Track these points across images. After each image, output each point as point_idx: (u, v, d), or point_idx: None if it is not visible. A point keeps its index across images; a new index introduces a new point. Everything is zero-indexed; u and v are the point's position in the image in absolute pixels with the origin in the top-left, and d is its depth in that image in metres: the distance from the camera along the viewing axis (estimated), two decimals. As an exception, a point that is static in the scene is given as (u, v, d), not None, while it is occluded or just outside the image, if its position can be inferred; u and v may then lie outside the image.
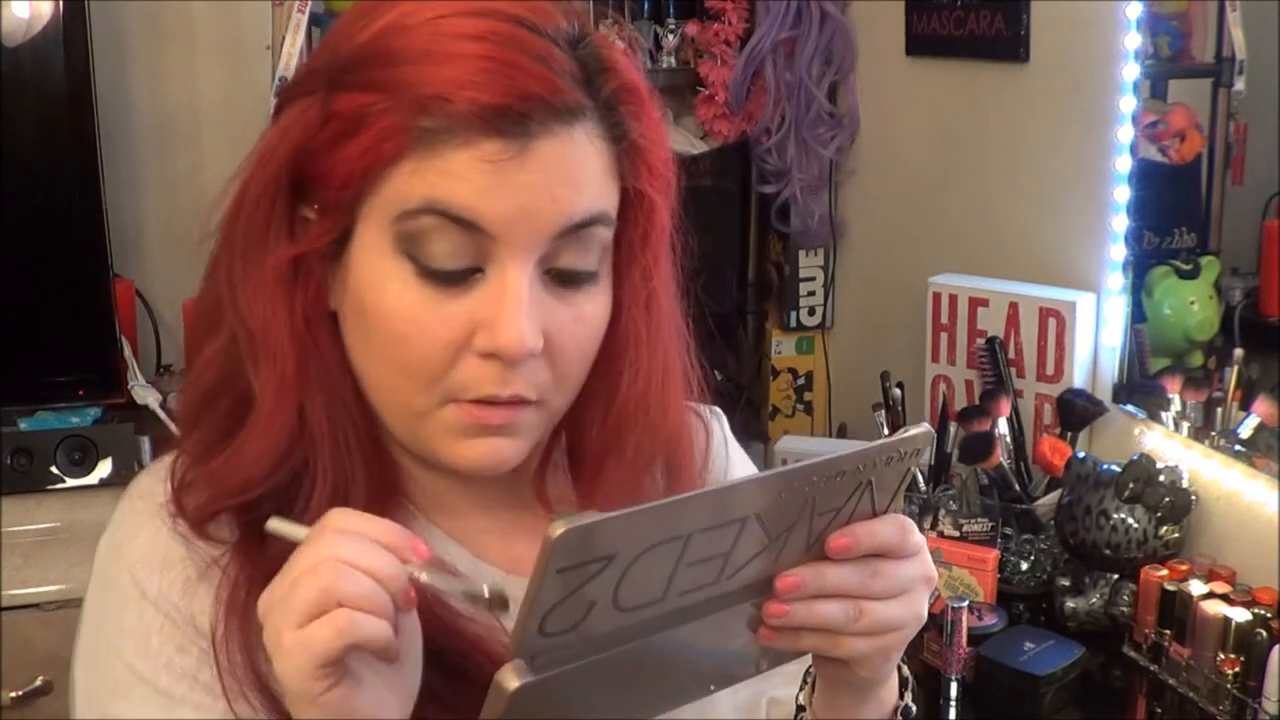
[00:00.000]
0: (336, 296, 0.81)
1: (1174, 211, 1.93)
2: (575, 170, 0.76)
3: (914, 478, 1.95)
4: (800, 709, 0.89)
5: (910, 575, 0.77)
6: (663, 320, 0.87)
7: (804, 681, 0.89)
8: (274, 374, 0.79)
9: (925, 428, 0.76)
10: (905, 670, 0.88)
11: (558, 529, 0.62)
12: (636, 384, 0.85)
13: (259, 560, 0.78)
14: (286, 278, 0.79)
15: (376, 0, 0.79)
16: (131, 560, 0.81)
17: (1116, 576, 1.70)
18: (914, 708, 0.88)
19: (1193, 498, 1.69)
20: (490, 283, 0.76)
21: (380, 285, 0.77)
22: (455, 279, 0.76)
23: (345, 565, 0.67)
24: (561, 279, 0.79)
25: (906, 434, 0.75)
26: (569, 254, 0.78)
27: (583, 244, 0.78)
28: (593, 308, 0.81)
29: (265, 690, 0.77)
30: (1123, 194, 1.90)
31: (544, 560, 0.62)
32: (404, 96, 0.74)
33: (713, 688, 0.85)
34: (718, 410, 1.02)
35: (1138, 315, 1.91)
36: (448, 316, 0.76)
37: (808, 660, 0.86)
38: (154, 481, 0.84)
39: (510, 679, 0.66)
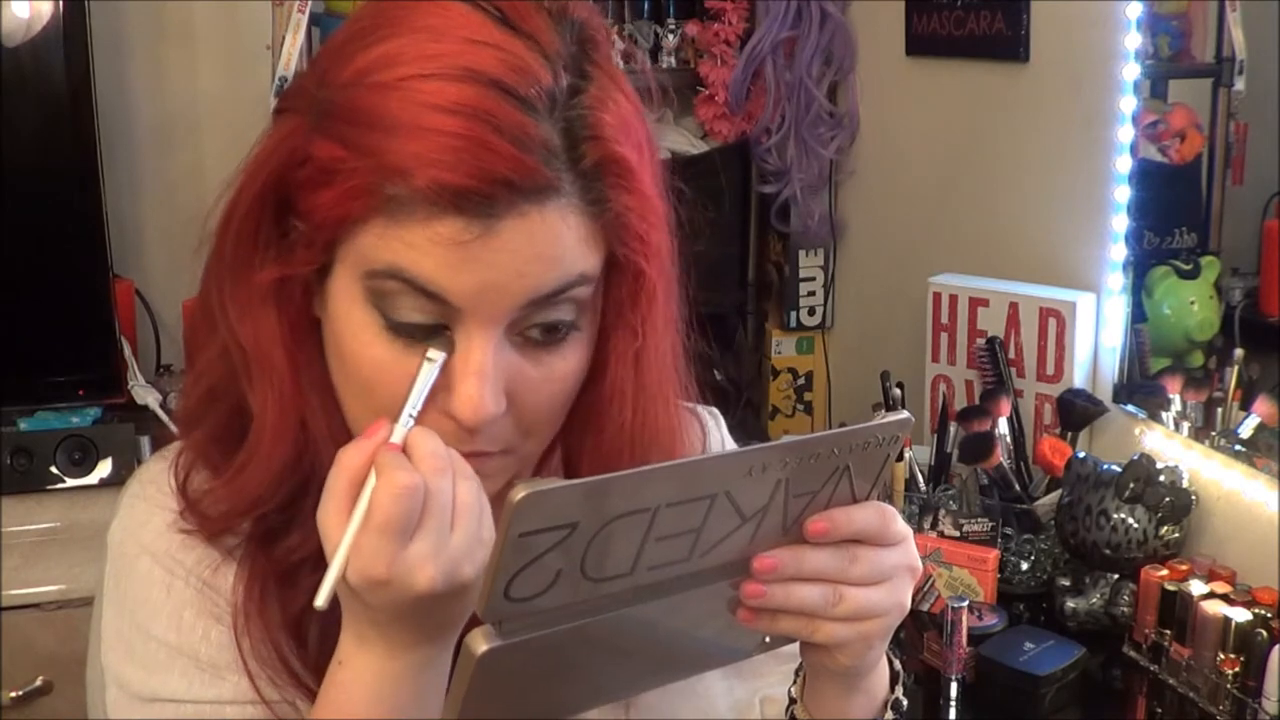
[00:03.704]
0: (319, 308, 0.80)
1: (1174, 211, 1.93)
2: (545, 247, 0.74)
3: (914, 477, 1.95)
4: (792, 701, 0.89)
5: (891, 563, 0.77)
6: (652, 376, 0.85)
7: (796, 674, 0.89)
8: (272, 390, 0.79)
9: (904, 415, 0.76)
10: (897, 664, 0.88)
11: (518, 493, 0.62)
12: (621, 436, 0.84)
13: (272, 555, 0.80)
14: (274, 293, 0.79)
15: (375, 11, 0.78)
16: (150, 542, 0.83)
17: (1116, 576, 1.70)
18: (904, 701, 0.87)
19: (1193, 498, 1.69)
20: (456, 344, 0.75)
21: (353, 332, 0.76)
22: (423, 334, 0.75)
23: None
24: (533, 339, 0.77)
25: (884, 420, 0.75)
26: (541, 316, 0.76)
27: (556, 307, 0.76)
28: (565, 364, 0.79)
29: (290, 673, 0.79)
30: (1123, 194, 1.90)
31: (505, 524, 0.63)
32: (372, 160, 0.72)
33: (707, 669, 0.85)
34: (715, 411, 1.02)
35: (1138, 315, 1.91)
36: (412, 373, 0.75)
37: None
38: (161, 470, 0.85)
39: (478, 643, 0.67)
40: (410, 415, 0.72)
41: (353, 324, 0.76)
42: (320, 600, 0.68)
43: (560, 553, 0.65)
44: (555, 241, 0.74)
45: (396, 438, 0.71)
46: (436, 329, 0.75)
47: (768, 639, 0.80)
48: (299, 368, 0.80)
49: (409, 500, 0.67)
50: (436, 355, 0.73)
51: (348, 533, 0.68)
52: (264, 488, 0.79)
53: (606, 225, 0.76)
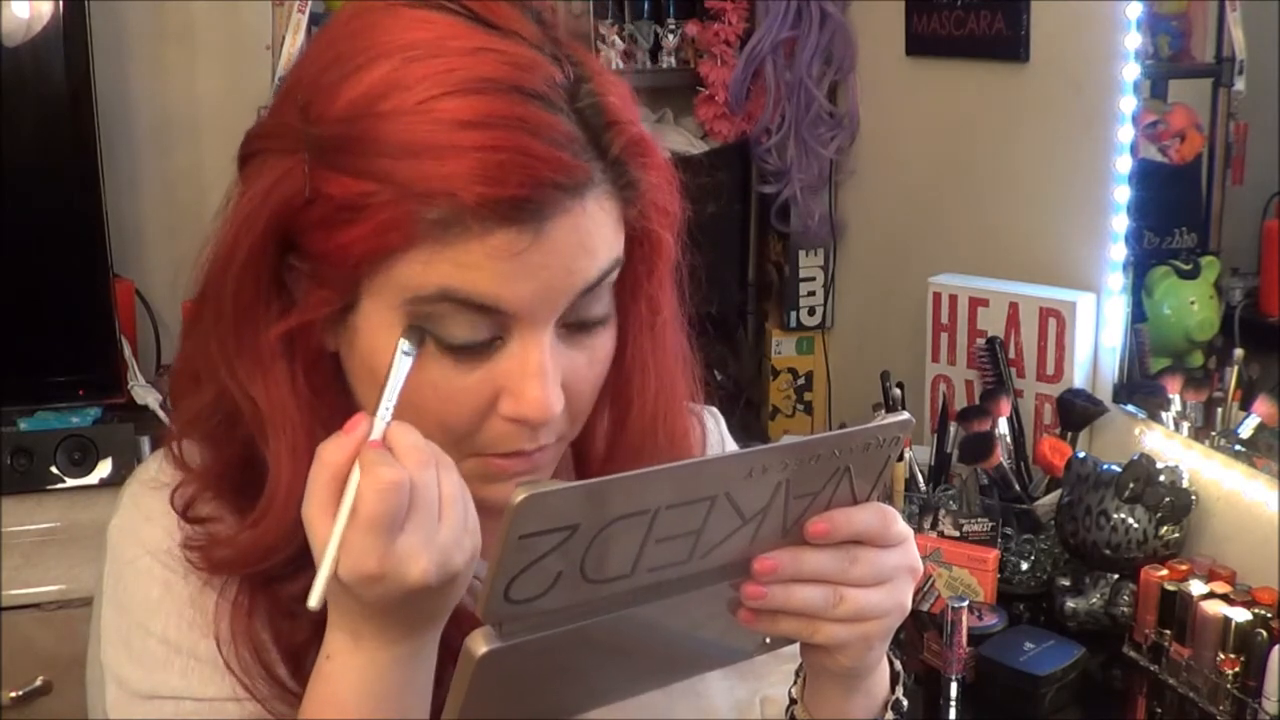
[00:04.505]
0: (336, 340, 0.79)
1: (1174, 211, 1.93)
2: (588, 239, 0.75)
3: (914, 477, 1.95)
4: (792, 702, 0.89)
5: (892, 564, 0.77)
6: (668, 347, 0.87)
7: (796, 675, 0.89)
8: (285, 445, 0.77)
9: (904, 416, 0.76)
10: (897, 665, 0.88)
11: (519, 495, 0.62)
12: (645, 412, 0.86)
13: (275, 594, 0.79)
14: (285, 344, 0.77)
15: (345, 34, 0.76)
16: (149, 540, 0.82)
17: (1116, 576, 1.70)
18: (905, 702, 0.87)
19: (1193, 498, 1.69)
20: (511, 350, 0.75)
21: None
22: (475, 350, 0.75)
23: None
24: (575, 328, 0.78)
25: (884, 421, 0.75)
26: (583, 307, 0.77)
27: (596, 295, 0.78)
28: (603, 345, 0.80)
29: (276, 680, 0.79)
30: (1123, 194, 1.90)
31: (506, 526, 0.63)
32: (406, 189, 0.70)
33: (707, 670, 0.85)
34: (714, 411, 1.02)
35: (1138, 315, 1.91)
36: (470, 387, 0.75)
37: None
38: (160, 469, 0.85)
39: (478, 645, 0.67)
40: (386, 409, 0.71)
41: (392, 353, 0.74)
42: (313, 601, 0.68)
43: (560, 554, 0.65)
44: (596, 231, 0.75)
45: (376, 434, 0.70)
46: (489, 341, 0.75)
47: (768, 639, 0.80)
48: (315, 419, 0.78)
49: (396, 496, 0.67)
50: (408, 348, 0.73)
51: (335, 530, 0.68)
52: (278, 540, 0.77)
53: (635, 205, 0.78)
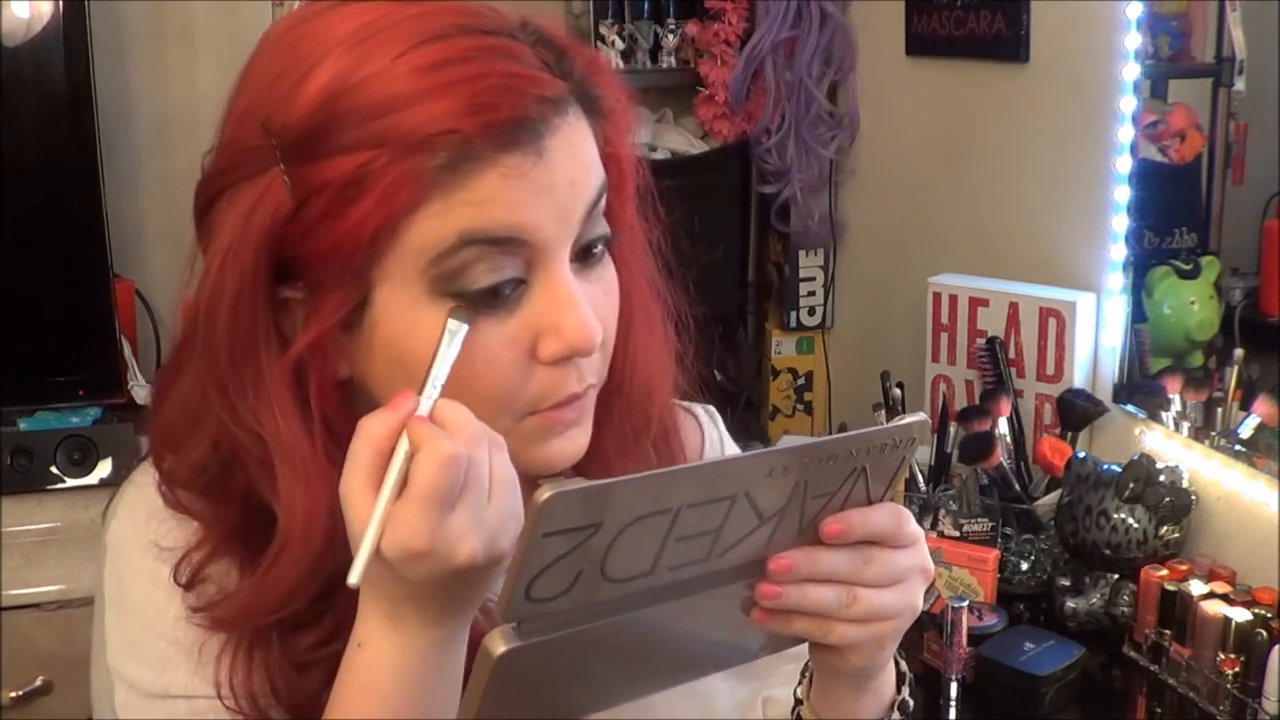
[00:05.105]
0: (351, 364, 0.78)
1: (1174, 211, 1.93)
2: (580, 153, 0.76)
3: (914, 477, 1.95)
4: (798, 702, 0.89)
5: (905, 565, 0.77)
6: (640, 275, 0.87)
7: (802, 675, 0.89)
8: (299, 480, 0.75)
9: (921, 416, 0.76)
10: (903, 665, 0.88)
11: (545, 493, 0.62)
12: (630, 341, 0.85)
13: (286, 646, 0.78)
14: (293, 374, 0.76)
15: (283, 47, 0.76)
16: (151, 540, 0.82)
17: (1116, 576, 1.70)
18: (911, 702, 0.87)
19: (1193, 498, 1.69)
20: (536, 290, 0.75)
21: (428, 336, 0.73)
22: (502, 299, 0.75)
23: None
24: (582, 257, 0.78)
25: (901, 422, 0.75)
26: (587, 230, 0.78)
27: (595, 217, 0.78)
28: (610, 274, 0.81)
29: (261, 713, 0.78)
30: (1123, 194, 1.90)
31: (531, 524, 0.63)
32: (405, 143, 0.70)
33: (712, 671, 0.85)
34: (711, 409, 1.02)
35: (1138, 315, 1.92)
36: (508, 339, 0.75)
37: (805, 658, 0.87)
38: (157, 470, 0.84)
39: (496, 644, 0.66)
40: (434, 387, 0.70)
41: (425, 328, 0.73)
42: (354, 577, 0.66)
43: (583, 553, 0.65)
44: (584, 144, 0.77)
45: (423, 410, 0.69)
46: (514, 286, 0.75)
47: (772, 640, 0.80)
48: (330, 456, 0.75)
49: (454, 470, 0.66)
50: (456, 326, 0.72)
51: (379, 504, 0.67)
52: (295, 586, 0.75)
53: (602, 125, 0.79)
